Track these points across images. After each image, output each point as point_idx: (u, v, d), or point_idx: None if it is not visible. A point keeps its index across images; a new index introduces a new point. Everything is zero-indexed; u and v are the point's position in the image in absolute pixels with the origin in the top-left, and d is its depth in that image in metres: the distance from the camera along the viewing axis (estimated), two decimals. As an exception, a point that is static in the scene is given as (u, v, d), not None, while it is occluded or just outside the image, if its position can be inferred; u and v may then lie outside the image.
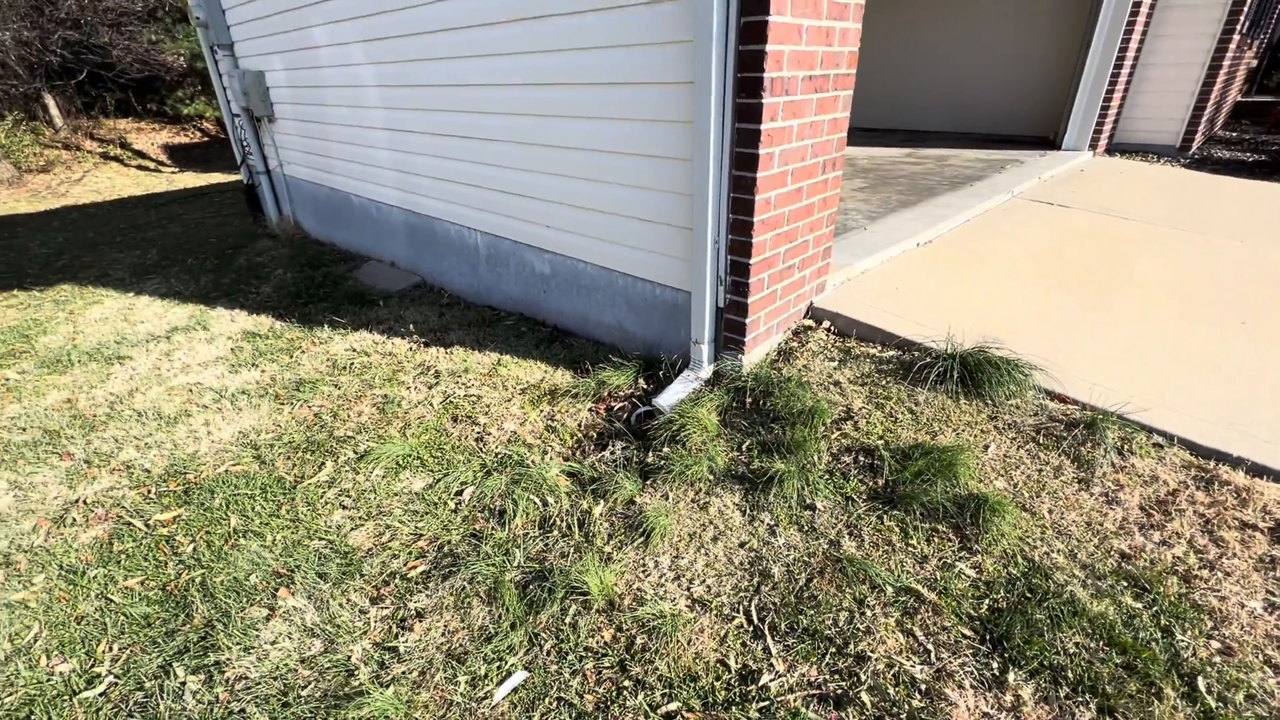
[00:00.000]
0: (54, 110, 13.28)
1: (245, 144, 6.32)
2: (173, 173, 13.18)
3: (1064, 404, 2.19)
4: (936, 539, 1.81)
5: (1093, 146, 6.40)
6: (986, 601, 1.61)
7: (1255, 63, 10.59)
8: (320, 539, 2.19)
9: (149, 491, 2.52)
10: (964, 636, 1.55)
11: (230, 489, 2.47)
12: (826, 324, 2.83)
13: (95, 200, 10.09)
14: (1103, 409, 2.09)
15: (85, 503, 2.48)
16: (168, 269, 5.42)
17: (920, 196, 4.67)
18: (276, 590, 1.98)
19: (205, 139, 15.73)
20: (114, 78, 13.65)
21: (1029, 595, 1.61)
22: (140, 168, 13.33)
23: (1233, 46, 6.17)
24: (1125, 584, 1.61)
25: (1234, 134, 8.28)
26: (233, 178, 11.77)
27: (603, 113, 2.64)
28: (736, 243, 2.38)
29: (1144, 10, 5.86)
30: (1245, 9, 5.92)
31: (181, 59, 15.03)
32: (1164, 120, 6.59)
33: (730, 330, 2.58)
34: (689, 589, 1.80)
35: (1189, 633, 1.49)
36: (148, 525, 2.33)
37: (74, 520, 2.39)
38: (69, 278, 5.37)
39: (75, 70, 13.15)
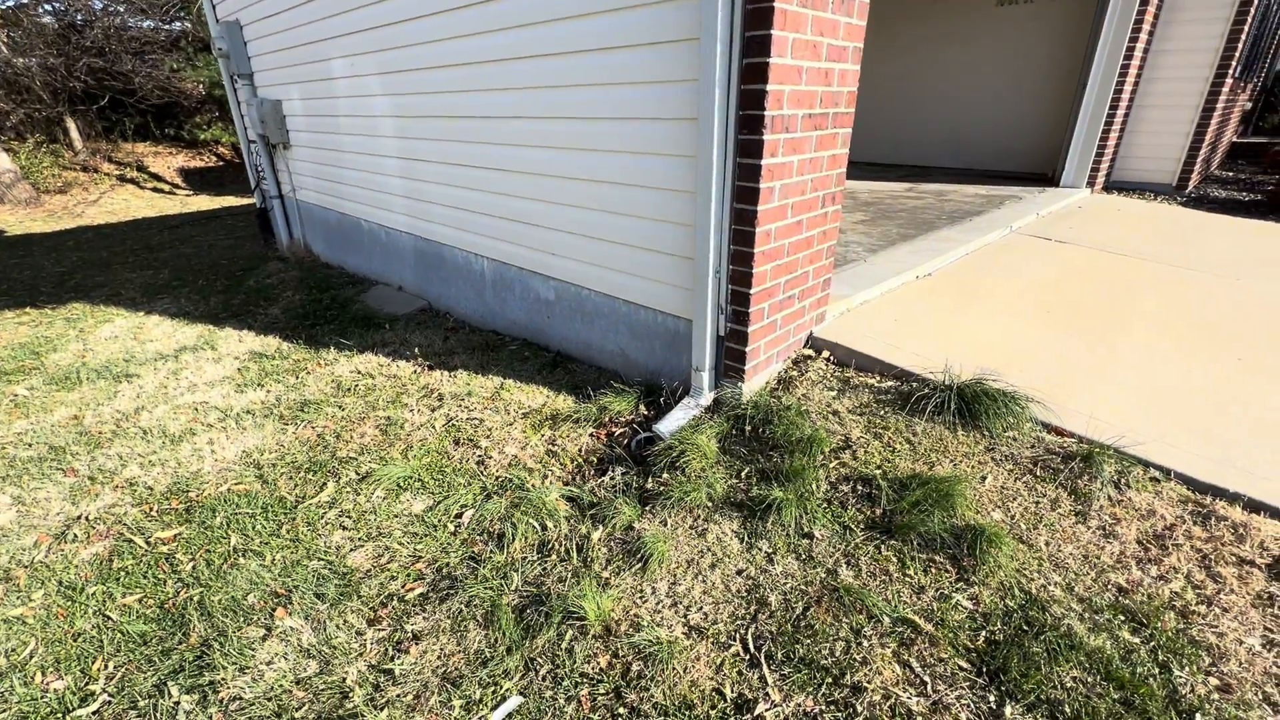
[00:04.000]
0: (74, 133, 13.62)
1: (260, 169, 6.48)
2: (187, 195, 13.43)
3: (1061, 436, 2.21)
4: (934, 569, 1.81)
5: (1090, 184, 6.51)
6: (983, 633, 1.61)
7: (1250, 105, 10.81)
8: (319, 559, 2.20)
9: (151, 509, 2.53)
10: (960, 669, 1.55)
11: (232, 508, 2.49)
12: (826, 354, 2.87)
13: (110, 221, 10.28)
14: (1100, 442, 2.10)
15: (87, 519, 2.49)
16: (178, 289, 5.51)
17: (920, 230, 4.75)
18: (274, 610, 1.98)
19: (220, 163, 16.07)
20: (135, 103, 14.04)
21: (1026, 628, 1.60)
22: (155, 190, 13.61)
23: (1225, 90, 6.32)
24: (1123, 618, 1.61)
25: (1230, 174, 8.41)
26: (245, 201, 12.00)
27: (609, 146, 2.72)
28: (737, 273, 2.44)
29: (1138, 54, 6.03)
30: (1237, 54, 6.07)
31: (201, 86, 15.47)
32: (1160, 159, 6.71)
33: (730, 358, 2.62)
34: (686, 616, 1.80)
35: (1187, 669, 1.48)
36: (148, 543, 2.34)
37: (75, 536, 2.40)
38: (81, 296, 5.45)
39: (98, 95, 13.54)
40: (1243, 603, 1.62)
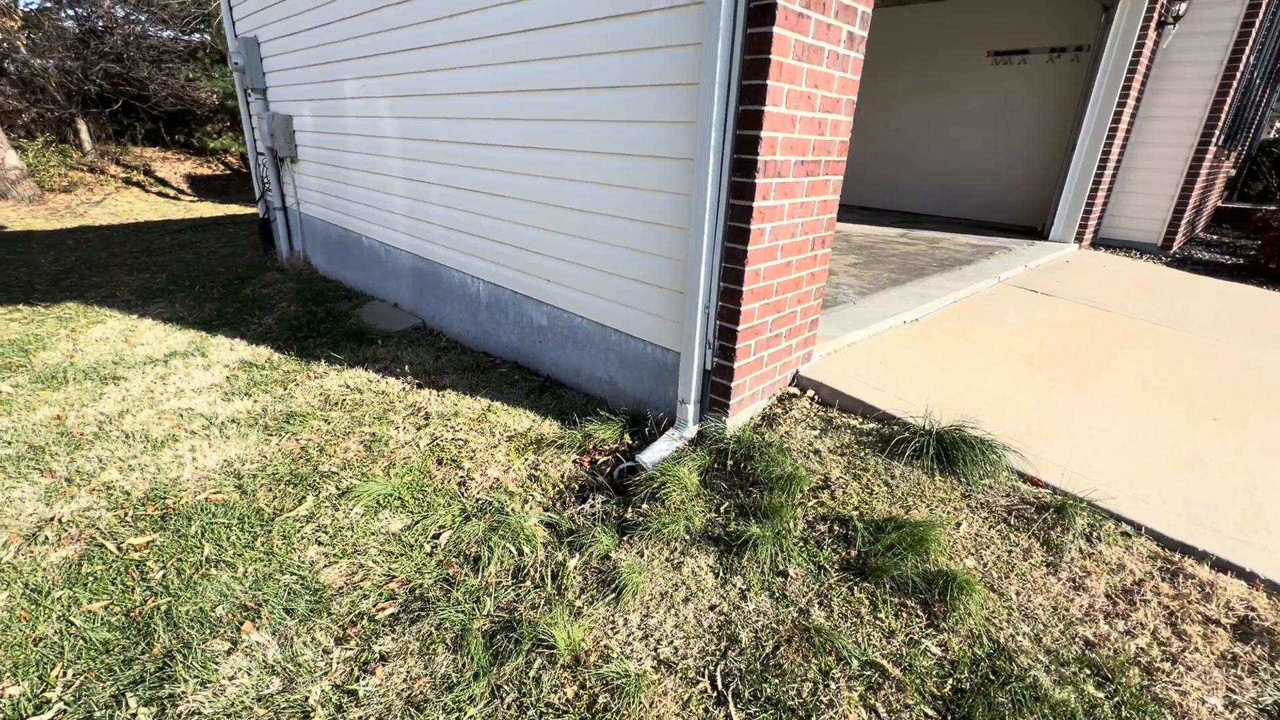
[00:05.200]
0: (85, 135, 13.77)
1: (266, 181, 6.56)
2: (191, 201, 13.53)
3: (1036, 486, 2.24)
4: (905, 614, 1.82)
5: (1078, 239, 6.67)
6: (950, 681, 1.61)
7: (1235, 172, 11.15)
8: (292, 574, 2.18)
9: (126, 514, 2.51)
10: (926, 716, 1.55)
11: (208, 517, 2.47)
12: (811, 393, 2.90)
13: (112, 222, 10.33)
14: (1073, 494, 2.13)
15: (60, 521, 2.47)
16: (174, 294, 5.52)
17: (910, 276, 4.84)
18: (241, 624, 1.96)
19: (227, 171, 16.24)
20: (148, 109, 14.24)
21: (992, 677, 1.61)
22: (160, 194, 13.71)
23: (1209, 157, 6.54)
24: (1088, 672, 1.62)
25: (1215, 237, 8.63)
26: (248, 210, 12.10)
27: (606, 179, 2.80)
28: (726, 309, 2.49)
29: (1125, 118, 6.25)
30: (1220, 123, 6.31)
31: (214, 97, 15.72)
32: (1146, 220, 6.90)
33: (716, 393, 2.65)
34: (656, 649, 1.79)
35: (1150, 727, 1.49)
36: (120, 548, 2.32)
37: (46, 538, 2.38)
38: (75, 296, 5.46)
39: (111, 99, 13.73)
40: (1207, 662, 1.63)
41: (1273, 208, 8.60)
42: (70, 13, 13.66)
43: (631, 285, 2.87)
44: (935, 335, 3.68)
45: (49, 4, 13.30)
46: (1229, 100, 6.23)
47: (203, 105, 15.79)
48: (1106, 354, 3.50)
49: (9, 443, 2.98)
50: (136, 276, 6.21)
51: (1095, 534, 2.01)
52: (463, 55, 3.38)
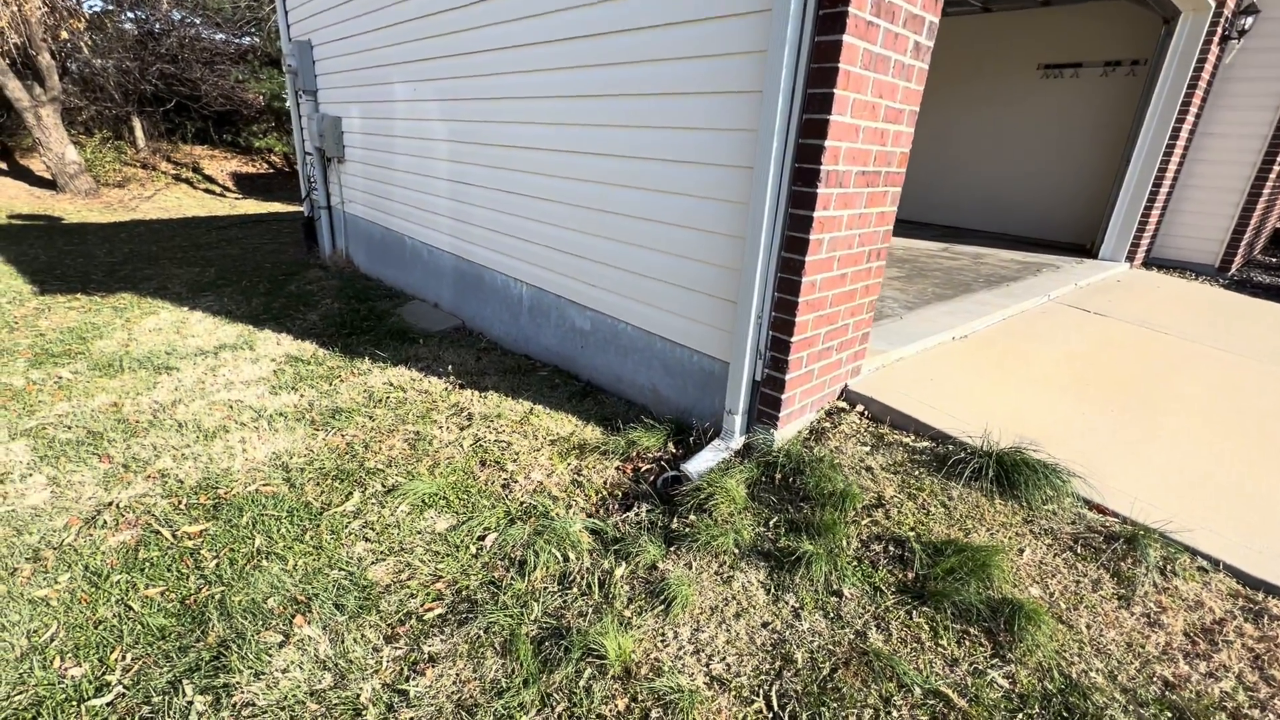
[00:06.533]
0: (139, 132, 14.29)
1: (312, 180, 6.71)
2: (236, 199, 13.93)
3: (1103, 515, 2.15)
4: (968, 642, 1.75)
5: (1130, 259, 6.47)
6: (1020, 717, 1.54)
7: (1294, 193, 10.70)
8: (340, 569, 2.19)
9: (180, 502, 2.56)
10: (995, 751, 1.48)
11: (258, 508, 2.51)
12: (860, 408, 2.84)
13: (162, 217, 10.68)
14: (1144, 524, 2.04)
15: (118, 506, 2.53)
16: (222, 288, 5.67)
17: (956, 291, 4.74)
18: (293, 617, 1.98)
19: (270, 170, 16.69)
20: (199, 109, 14.72)
21: (1066, 715, 1.54)
22: (207, 191, 14.14)
23: (1272, 177, 6.29)
24: (1169, 715, 1.53)
25: (1275, 260, 8.29)
26: (292, 208, 12.41)
27: (660, 185, 2.78)
28: (779, 320, 2.45)
29: (1184, 134, 6.04)
30: (1286, 142, 6.06)
31: (261, 98, 16.20)
32: (1203, 240, 6.66)
33: (765, 404, 2.61)
34: (708, 665, 1.75)
35: (1238, 777, 1.40)
36: (174, 536, 2.36)
37: (105, 522, 2.43)
38: (130, 287, 5.64)
39: (165, 99, 14.23)
40: (1298, 710, 1.54)
41: (1336, 231, 8.24)
42: (130, 15, 14.21)
43: (680, 292, 2.85)
44: (985, 353, 3.58)
45: (110, 6, 13.86)
46: (1297, 117, 5.98)
47: (250, 106, 16.28)
48: (1165, 378, 3.36)
49: (69, 427, 3.07)
50: (186, 270, 6.40)
51: (1170, 568, 1.92)
52: (517, 60, 3.41)
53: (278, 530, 2.39)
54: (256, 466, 2.82)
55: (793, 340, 2.42)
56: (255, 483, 2.69)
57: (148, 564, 2.22)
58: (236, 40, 15.76)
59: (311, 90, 6.23)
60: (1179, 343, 4.04)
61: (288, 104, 16.16)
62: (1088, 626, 1.77)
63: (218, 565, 2.21)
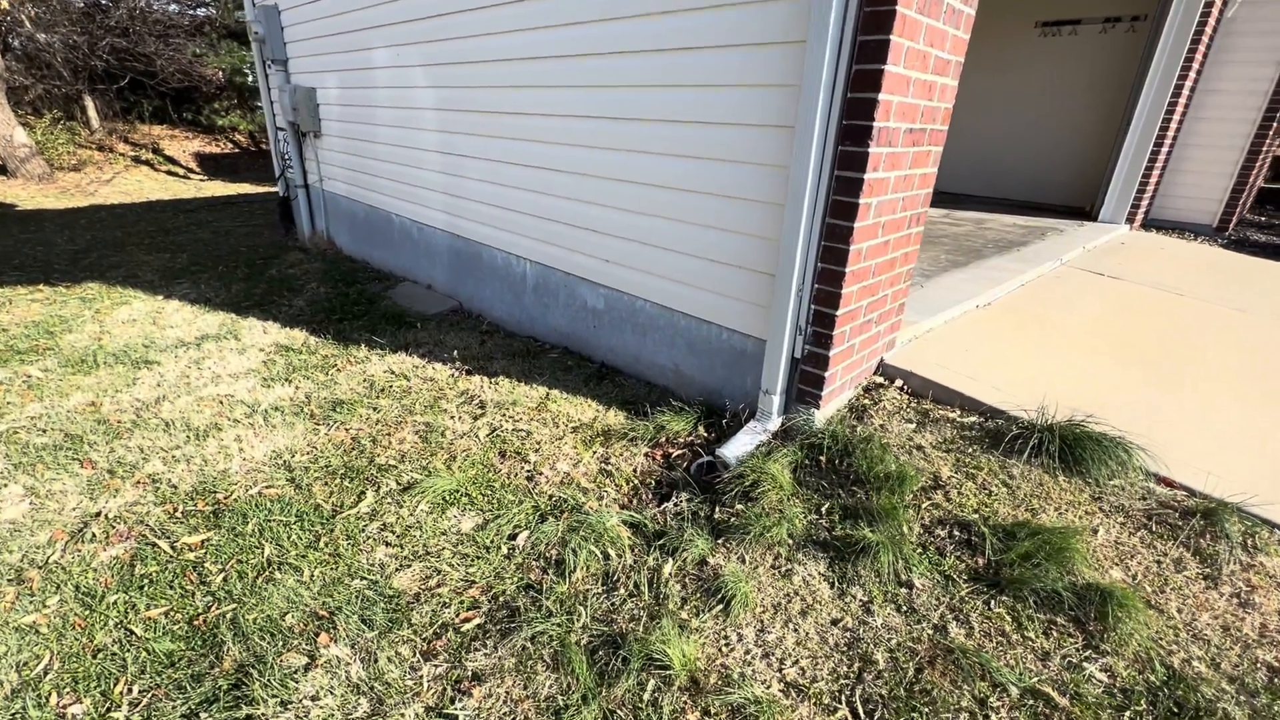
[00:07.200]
0: (92, 112, 13.50)
1: (286, 157, 6.33)
2: (201, 180, 13.29)
3: (1172, 489, 2.05)
4: (1056, 632, 1.64)
5: (1129, 220, 6.40)
6: (1127, 714, 1.44)
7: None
8: (362, 578, 2.01)
9: (175, 510, 2.35)
10: (1105, 753, 1.38)
11: (264, 514, 2.31)
12: (900, 382, 2.71)
13: (123, 201, 10.11)
14: (1218, 499, 1.94)
15: (106, 517, 2.31)
16: (198, 274, 5.33)
17: (969, 258, 4.61)
18: (317, 635, 1.80)
19: (236, 150, 15.95)
20: (154, 85, 13.93)
21: (1176, 711, 1.43)
22: (170, 173, 13.46)
23: (1271, 133, 6.23)
24: (1281, 703, 1.44)
25: (1262, 218, 8.33)
26: (261, 189, 11.86)
27: (687, 151, 2.57)
28: (823, 293, 2.28)
29: (1185, 91, 5.94)
30: (1286, 99, 5.99)
31: (221, 73, 15.40)
32: (1202, 200, 6.62)
33: (805, 383, 2.46)
34: (781, 670, 1.62)
35: (1365, 769, 1.31)
36: (173, 548, 2.16)
37: (93, 535, 2.22)
38: (96, 276, 5.28)
39: (118, 75, 13.42)
40: None
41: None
42: (74, -15, 13.29)
43: (708, 265, 2.67)
44: (1012, 320, 3.46)
45: (53, -25, 12.93)
46: (1299, 73, 5.90)
47: (210, 82, 15.46)
48: (1194, 341, 3.28)
49: (44, 430, 2.82)
50: (156, 256, 6.02)
51: (1252, 543, 1.82)
52: (518, 16, 3.14)
53: (288, 537, 2.20)
54: (256, 467, 2.60)
55: (838, 314, 2.26)
56: (257, 485, 2.48)
57: (146, 581, 2.02)
58: (191, 11, 14.89)
59: (281, 60, 5.82)
60: (1198, 304, 3.96)
61: (250, 79, 15.40)
62: (1179, 610, 1.67)
63: (225, 579, 2.01)
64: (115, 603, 1.93)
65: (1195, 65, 5.85)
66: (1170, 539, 1.87)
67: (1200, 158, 6.50)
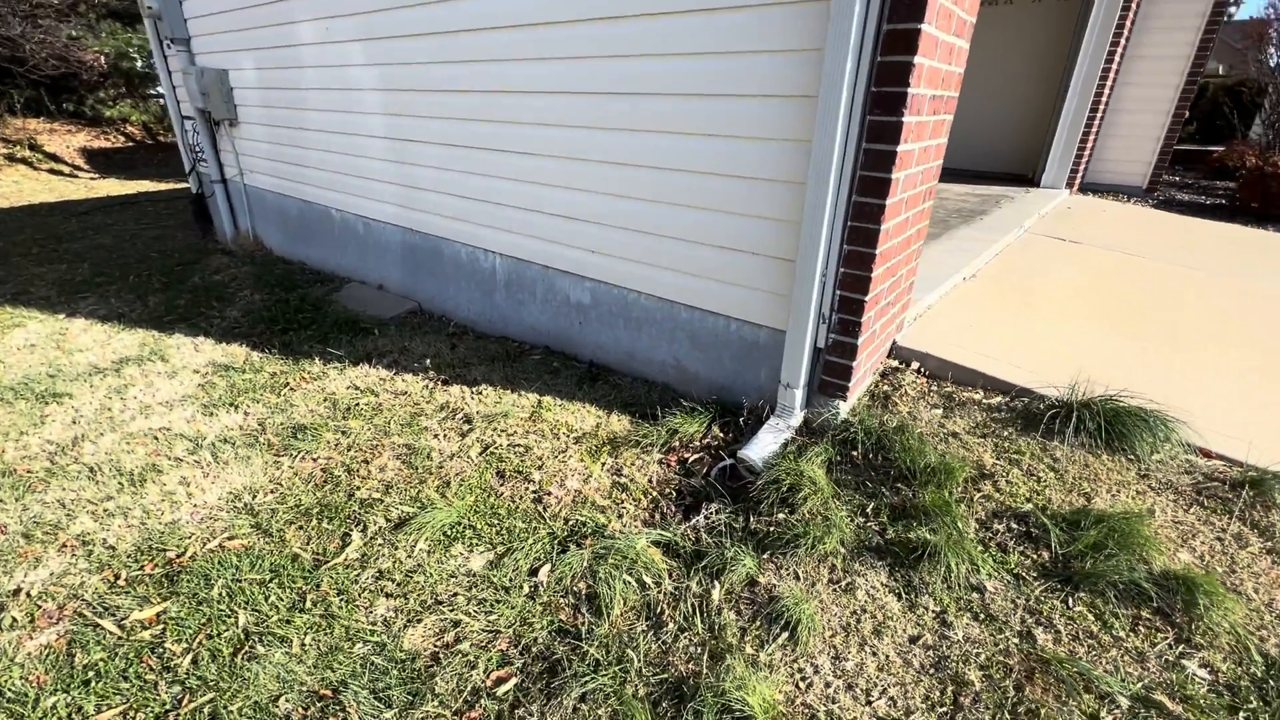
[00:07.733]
0: (-50, 104, 11.80)
1: (198, 150, 5.65)
2: (91, 179, 11.92)
3: (1210, 459, 2.02)
4: (1143, 628, 1.55)
5: (1069, 185, 6.62)
6: (1242, 714, 1.36)
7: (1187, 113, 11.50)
8: (365, 641, 1.72)
9: (117, 577, 1.96)
10: (1229, 760, 1.29)
11: (230, 572, 1.96)
12: (916, 365, 2.60)
13: (1, 206, 8.90)
14: (1260, 468, 1.92)
15: (28, 595, 1.90)
16: (104, 287, 4.68)
17: (939, 229, 4.60)
18: (322, 722, 1.51)
19: (129, 144, 14.41)
20: (25, 73, 12.34)
21: (1290, 704, 1.36)
22: (53, 172, 12.00)
23: (1193, 96, 6.55)
24: (1380, 682, 1.40)
25: (1177, 178, 8.85)
26: (165, 185, 10.74)
27: (688, 127, 2.33)
28: (849, 277, 2.11)
29: (1117, 58, 6.14)
30: (1209, 62, 6.29)
31: (104, 58, 13.79)
32: (1132, 163, 6.93)
33: (830, 374, 2.30)
34: (869, 703, 1.46)
35: None
36: (121, 626, 1.79)
37: (14, 621, 1.81)
38: (-23, 296, 4.54)
39: (-21, 62, 11.78)
40: None
41: (1222, 148, 8.87)
42: (-88, -43, 11.52)
43: (714, 253, 2.45)
44: (998, 291, 3.44)
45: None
46: (1217, 36, 6.20)
47: (91, 69, 13.82)
48: (1172, 304, 3.35)
49: (-68, 492, 2.33)
50: (51, 268, 5.26)
51: (1305, 511, 1.80)
52: (473, -19, 2.78)
53: (266, 599, 1.86)
54: (212, 514, 2.23)
55: (866, 299, 2.11)
56: (216, 537, 2.12)
57: (92, 674, 1.65)
58: (61, -13, 13.19)
59: (183, 39, 5.14)
60: (1161, 266, 4.08)
61: (139, 65, 13.86)
62: (1255, 591, 1.62)
63: (195, 661, 1.68)
64: (54, 708, 1.57)
65: (1125, 32, 6.04)
66: (1225, 513, 1.83)
67: (1129, 122, 6.77)
